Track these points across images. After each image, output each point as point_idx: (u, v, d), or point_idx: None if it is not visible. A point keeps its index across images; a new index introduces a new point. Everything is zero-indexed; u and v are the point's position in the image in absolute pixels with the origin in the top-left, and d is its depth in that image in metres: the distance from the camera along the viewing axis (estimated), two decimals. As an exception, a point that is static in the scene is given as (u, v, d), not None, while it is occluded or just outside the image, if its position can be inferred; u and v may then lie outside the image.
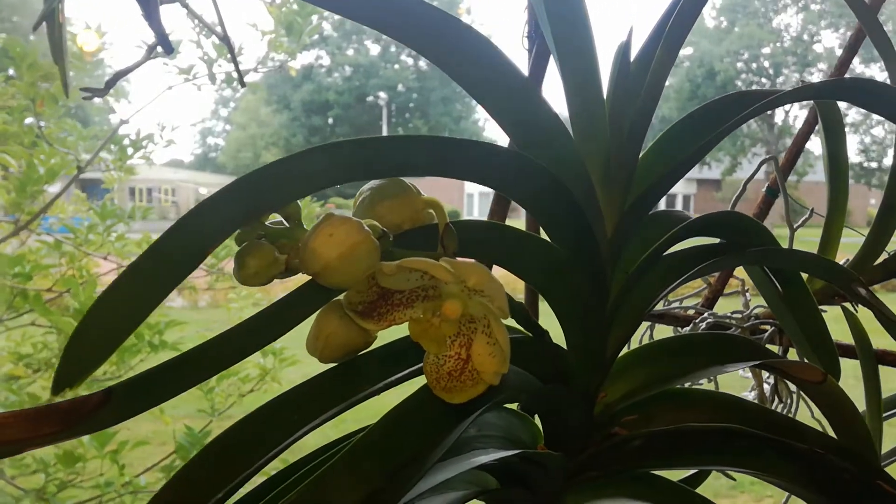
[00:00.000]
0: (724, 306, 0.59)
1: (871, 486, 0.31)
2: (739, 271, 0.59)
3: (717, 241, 0.38)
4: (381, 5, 0.27)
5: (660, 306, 0.59)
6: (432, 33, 0.27)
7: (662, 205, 0.40)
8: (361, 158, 0.25)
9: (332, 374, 0.28)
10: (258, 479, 0.29)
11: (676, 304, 0.60)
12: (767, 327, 0.54)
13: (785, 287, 0.42)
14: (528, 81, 0.31)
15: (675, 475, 0.41)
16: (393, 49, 19.70)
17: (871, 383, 0.43)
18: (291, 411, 0.27)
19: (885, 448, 0.46)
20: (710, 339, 0.41)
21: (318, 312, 0.28)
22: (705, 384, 0.49)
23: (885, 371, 0.46)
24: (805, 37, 18.19)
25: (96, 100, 0.66)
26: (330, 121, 20.17)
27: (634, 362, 0.38)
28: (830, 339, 0.42)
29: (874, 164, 17.48)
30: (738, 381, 0.57)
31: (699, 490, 0.38)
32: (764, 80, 17.90)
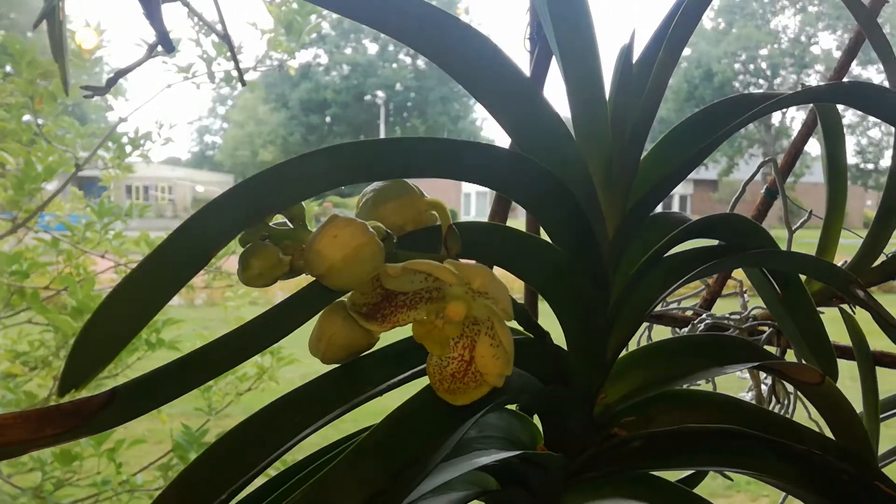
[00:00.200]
0: (722, 307, 0.59)
1: (869, 487, 0.31)
2: (737, 272, 0.59)
3: (716, 242, 0.39)
4: (381, 5, 0.27)
5: (658, 307, 0.59)
6: (433, 33, 0.27)
7: (659, 206, 0.40)
8: (363, 161, 0.25)
9: (334, 376, 0.28)
10: (258, 481, 0.29)
11: (675, 305, 0.60)
12: (765, 328, 0.54)
13: (783, 288, 0.42)
14: (530, 82, 0.31)
15: (673, 475, 0.41)
16: (391, 48, 19.65)
17: (869, 384, 0.43)
18: (293, 413, 0.27)
19: (882, 449, 0.46)
20: (709, 340, 0.41)
21: (321, 313, 0.28)
22: (703, 385, 0.49)
23: (882, 372, 0.46)
24: (802, 38, 18.21)
25: (94, 98, 0.65)
26: (327, 119, 20.11)
27: (634, 364, 0.38)
28: (828, 341, 0.42)
29: (871, 166, 17.52)
30: (735, 382, 0.57)
31: (697, 490, 0.38)
32: (761, 81, 17.92)
